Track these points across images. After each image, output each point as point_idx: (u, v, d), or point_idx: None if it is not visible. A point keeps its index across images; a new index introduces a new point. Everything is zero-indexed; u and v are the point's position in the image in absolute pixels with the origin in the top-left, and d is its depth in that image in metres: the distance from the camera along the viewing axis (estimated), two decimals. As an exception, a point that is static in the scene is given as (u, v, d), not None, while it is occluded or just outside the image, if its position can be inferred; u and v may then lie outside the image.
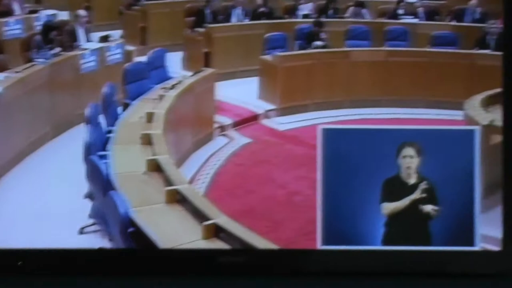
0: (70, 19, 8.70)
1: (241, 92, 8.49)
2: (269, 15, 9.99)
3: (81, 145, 5.69)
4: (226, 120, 7.84)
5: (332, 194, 3.91)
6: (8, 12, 8.65)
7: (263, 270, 4.53)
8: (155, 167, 5.54)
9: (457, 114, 7.11)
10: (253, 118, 8.13)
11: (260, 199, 6.26)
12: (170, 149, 5.99)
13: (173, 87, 7.17)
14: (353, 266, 4.31)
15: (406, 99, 8.61)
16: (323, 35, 9.13)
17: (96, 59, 7.62)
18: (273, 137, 7.78)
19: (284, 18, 9.93)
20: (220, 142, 7.46)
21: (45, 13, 8.86)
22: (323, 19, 9.70)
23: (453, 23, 9.79)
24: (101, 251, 4.91)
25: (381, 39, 9.46)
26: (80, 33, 7.92)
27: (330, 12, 10.29)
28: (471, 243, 4.00)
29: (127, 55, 8.19)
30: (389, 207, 3.82)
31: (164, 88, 7.15)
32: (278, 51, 8.72)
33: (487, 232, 4.53)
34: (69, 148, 6.35)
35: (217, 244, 4.63)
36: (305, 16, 10.10)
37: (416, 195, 3.79)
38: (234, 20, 9.76)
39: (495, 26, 8.41)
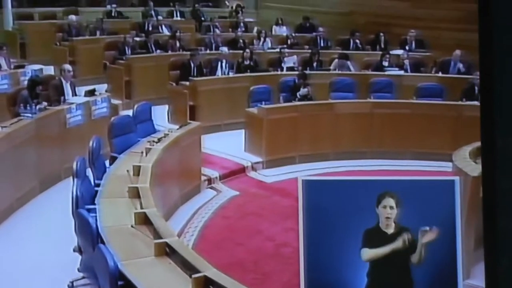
0: (55, 73, 8.87)
1: (227, 145, 8.66)
2: (253, 68, 10.15)
3: (69, 198, 5.73)
4: (213, 172, 7.94)
5: (314, 246, 3.97)
6: (-5, 67, 8.85)
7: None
8: (143, 220, 5.55)
9: (445, 166, 7.14)
10: (240, 170, 8.22)
11: (249, 251, 6.29)
12: (158, 202, 6.00)
13: (159, 140, 7.20)
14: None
15: (392, 151, 8.72)
16: (307, 87, 9.25)
17: (82, 113, 7.74)
18: (260, 189, 7.86)
19: (268, 71, 10.19)
20: (208, 195, 7.55)
21: (31, 68, 9.02)
22: (308, 72, 9.92)
23: (439, 74, 9.96)
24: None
25: (366, 91, 9.59)
26: (66, 87, 8.03)
27: (315, 64, 10.46)
28: None
29: (113, 109, 8.34)
30: (368, 253, 3.91)
31: (150, 141, 7.18)
32: (263, 103, 8.79)
33: (478, 283, 4.63)
34: (57, 202, 6.40)
35: None
36: (290, 68, 10.32)
37: (397, 244, 3.89)
38: (219, 73, 9.94)
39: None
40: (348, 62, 10.55)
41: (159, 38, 10.98)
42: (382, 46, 11.50)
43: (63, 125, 7.50)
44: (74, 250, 5.65)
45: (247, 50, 10.29)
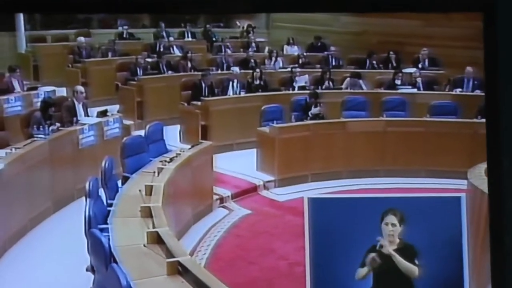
0: (68, 95, 8.99)
1: (239, 164, 8.71)
2: (264, 87, 10.24)
3: (82, 219, 5.80)
4: (225, 191, 8.00)
5: (320, 263, 4.01)
6: (8, 89, 8.97)
7: None
8: (156, 239, 5.61)
9: (460, 184, 7.14)
10: (252, 189, 8.29)
11: (261, 270, 6.35)
12: (170, 221, 6.06)
13: (171, 160, 7.29)
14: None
15: (406, 169, 8.73)
16: (319, 106, 9.32)
17: (95, 134, 7.85)
18: (273, 208, 7.91)
19: (280, 90, 10.25)
20: (220, 214, 7.62)
21: (43, 90, 9.15)
22: (319, 90, 9.98)
23: (454, 92, 9.97)
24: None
25: (378, 109, 9.58)
26: (79, 108, 8.15)
27: (326, 83, 10.53)
28: None
29: (125, 129, 8.45)
30: (359, 272, 3.95)
31: (162, 161, 7.27)
32: (275, 122, 8.87)
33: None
34: (70, 222, 6.46)
35: None
36: (301, 87, 10.38)
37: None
38: (230, 93, 10.03)
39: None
40: (360, 81, 10.58)
41: (170, 59, 11.07)
42: (394, 64, 11.53)
43: (76, 146, 7.62)
44: (87, 270, 5.72)
45: (257, 70, 10.39)
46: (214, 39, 12.61)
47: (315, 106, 9.34)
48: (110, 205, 6.29)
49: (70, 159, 7.48)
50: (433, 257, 3.85)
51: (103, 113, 8.30)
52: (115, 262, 5.14)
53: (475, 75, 9.89)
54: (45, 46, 11.36)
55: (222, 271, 6.18)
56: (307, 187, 8.45)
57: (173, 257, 5.20)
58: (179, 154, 7.54)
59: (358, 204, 3.99)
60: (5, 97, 8.66)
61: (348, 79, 10.63)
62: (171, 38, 12.10)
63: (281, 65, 11.42)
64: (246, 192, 8.22)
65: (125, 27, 12.23)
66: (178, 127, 9.54)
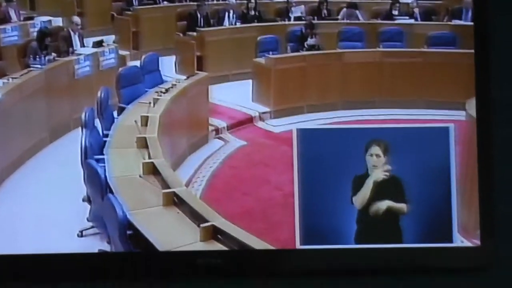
0: (64, 25, 8.92)
1: (234, 95, 8.61)
2: (259, 18, 10.17)
3: (78, 149, 5.83)
4: (220, 123, 7.98)
5: (308, 192, 4.07)
6: (5, 19, 8.87)
7: (240, 271, 4.74)
8: (151, 170, 5.69)
9: (458, 114, 7.17)
10: (248, 120, 8.28)
11: (257, 201, 6.33)
12: (166, 152, 6.13)
13: (167, 90, 7.31)
14: (330, 265, 4.50)
15: (403, 100, 8.51)
16: (315, 37, 9.28)
17: (90, 64, 7.80)
18: (268, 139, 7.91)
19: (276, 21, 10.08)
20: (215, 145, 7.62)
21: (40, 20, 9.06)
22: (315, 21, 9.92)
23: (452, 22, 9.89)
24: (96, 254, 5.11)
25: (375, 40, 9.52)
26: (74, 38, 8.09)
27: (323, 14, 10.45)
28: (449, 240, 4.15)
29: (121, 60, 8.36)
30: (357, 199, 4.00)
31: (158, 92, 7.29)
32: (270, 53, 8.84)
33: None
34: (66, 152, 6.48)
35: (216, 246, 4.83)
36: (297, 18, 10.27)
37: (376, 178, 3.94)
38: (226, 24, 9.96)
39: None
40: (357, 11, 10.48)
41: (164, -12, 10.99)
42: (391, -6, 11.42)
43: (71, 76, 7.57)
44: (83, 200, 5.81)
45: (252, 1, 10.29)
46: (210, -32, 12.48)
47: (311, 37, 9.29)
48: (106, 135, 6.35)
49: (66, 89, 7.42)
50: (419, 188, 3.90)
51: (99, 44, 8.24)
52: (111, 192, 5.24)
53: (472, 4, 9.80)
54: (41, -26, 11.27)
55: (218, 202, 6.19)
56: (302, 118, 8.42)
57: (169, 188, 5.32)
58: (175, 84, 7.55)
59: (346, 134, 4.04)
60: (2, 26, 8.53)
61: (345, 9, 10.52)
62: (167, -32, 11.96)
63: (277, -5, 11.34)
64: (241, 123, 8.20)
65: (122, -44, 12.08)
66: (173, 57, 9.49)
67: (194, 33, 9.57)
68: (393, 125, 4.08)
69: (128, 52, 9.60)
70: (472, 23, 9.49)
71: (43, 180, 6.32)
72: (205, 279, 4.88)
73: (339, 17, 10.77)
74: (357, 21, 10.48)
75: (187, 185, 6.40)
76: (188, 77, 7.88)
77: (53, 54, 7.63)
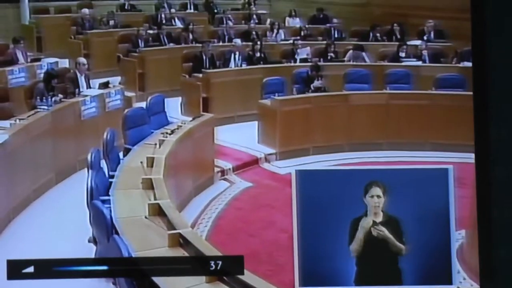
0: (70, 66, 9.09)
1: (240, 137, 8.76)
2: (265, 60, 10.30)
3: (84, 190, 5.90)
4: (226, 164, 8.09)
5: (307, 235, 4.11)
6: (13, 61, 9.09)
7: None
8: (157, 211, 5.69)
9: (467, 157, 7.16)
10: (253, 162, 8.37)
11: (262, 242, 6.44)
12: (171, 193, 6.15)
13: (172, 132, 7.38)
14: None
15: (410, 142, 8.74)
16: (320, 78, 9.37)
17: (96, 106, 7.95)
18: (274, 181, 7.97)
19: (281, 63, 10.28)
20: (221, 186, 7.71)
21: (47, 61, 9.26)
22: (321, 63, 9.98)
23: (461, 65, 9.94)
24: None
25: (382, 82, 9.61)
26: (81, 80, 8.26)
27: (329, 56, 10.57)
28: (449, 281, 4.17)
29: (127, 101, 8.55)
30: (353, 248, 4.03)
31: (164, 133, 7.36)
32: (276, 95, 8.93)
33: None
34: (72, 193, 6.62)
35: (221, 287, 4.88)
36: (303, 60, 10.39)
37: (368, 224, 3.98)
38: (232, 65, 10.10)
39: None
40: (363, 53, 10.60)
41: (171, 31, 11.15)
42: (398, 37, 11.53)
43: (78, 117, 7.71)
44: (89, 241, 5.85)
45: (258, 43, 10.46)
46: (215, 11, 12.65)
47: (317, 79, 9.39)
48: (112, 176, 6.40)
49: (72, 130, 7.58)
50: (418, 230, 3.94)
51: (105, 85, 8.38)
52: (117, 233, 5.28)
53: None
54: (48, 17, 11.44)
55: (223, 243, 6.24)
56: (308, 160, 8.51)
57: (174, 229, 5.33)
58: (181, 126, 7.62)
59: (345, 176, 4.07)
60: (9, 68, 8.78)
61: (351, 51, 10.63)
62: (173, 10, 12.15)
63: (283, 37, 11.45)
64: (247, 164, 8.29)
65: (127, -2, 12.31)
66: (179, 99, 9.61)
67: (200, 75, 9.73)
68: (391, 167, 4.15)
69: (134, 94, 9.74)
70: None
71: (49, 220, 6.45)
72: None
73: (346, 59, 10.86)
74: (363, 63, 10.55)
75: (192, 226, 6.48)
76: (193, 119, 7.98)
77: (60, 96, 7.78)
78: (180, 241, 5.25)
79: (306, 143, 8.76)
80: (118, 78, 9.60)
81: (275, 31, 11.52)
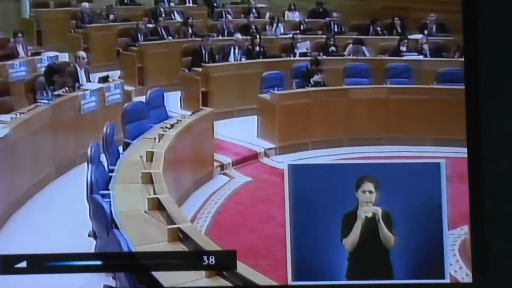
0: (70, 60, 9.16)
1: (239, 131, 8.83)
2: (264, 54, 10.37)
3: (83, 184, 5.96)
4: (225, 158, 8.15)
5: (299, 230, 4.17)
6: (13, 55, 9.17)
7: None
8: (157, 205, 5.75)
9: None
10: (253, 156, 8.42)
11: (261, 237, 6.48)
12: (171, 188, 6.22)
13: (172, 126, 7.44)
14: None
15: (410, 137, 8.76)
16: (319, 73, 9.43)
17: (96, 100, 8.02)
18: (273, 175, 7.96)
19: (281, 57, 10.34)
20: (220, 181, 7.77)
21: (47, 55, 9.33)
22: (321, 57, 10.05)
23: (463, 59, 9.86)
24: None
25: (382, 76, 9.65)
26: (81, 74, 8.33)
27: (330, 50, 10.61)
28: (441, 276, 4.23)
29: (126, 95, 8.61)
30: (348, 241, 4.09)
31: (163, 127, 7.42)
32: (275, 89, 9.00)
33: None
34: (72, 187, 6.67)
35: (220, 282, 4.91)
36: (303, 54, 10.42)
37: (364, 219, 4.04)
38: (231, 59, 10.16)
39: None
40: (363, 48, 10.62)
41: (169, 25, 11.21)
42: (399, 31, 11.53)
43: (77, 111, 7.79)
44: (88, 235, 5.92)
45: (257, 37, 10.52)
46: (215, 4, 12.69)
47: (317, 73, 9.44)
48: (112, 171, 6.47)
49: (72, 124, 7.64)
50: (410, 224, 4.00)
51: (105, 79, 8.47)
52: (117, 227, 5.34)
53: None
54: (48, 11, 11.50)
55: (223, 238, 6.29)
56: (308, 154, 8.54)
57: (174, 223, 5.40)
58: (180, 120, 7.69)
59: (337, 170, 4.11)
60: (10, 62, 8.86)
61: (351, 45, 10.65)
62: (172, 4, 12.19)
63: (282, 31, 11.49)
64: (246, 159, 8.35)
65: (126, -8, 12.36)
66: (178, 93, 9.65)
67: (199, 69, 9.81)
68: (383, 161, 4.22)
69: (133, 88, 9.77)
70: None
71: (49, 214, 6.51)
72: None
73: (345, 53, 10.89)
74: (363, 57, 10.60)
75: (192, 221, 6.53)
76: (193, 113, 8.05)
77: (60, 90, 7.89)
78: (180, 235, 5.31)
79: (305, 138, 8.80)
80: (118, 72, 9.64)
81: (275, 25, 11.56)
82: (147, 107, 7.80)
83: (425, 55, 10.26)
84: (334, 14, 11.86)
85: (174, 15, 12.02)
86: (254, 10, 12.63)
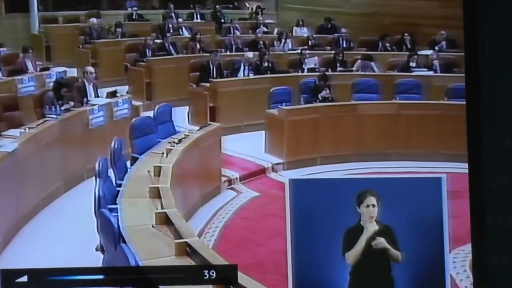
0: (78, 75, 9.26)
1: (247, 146, 8.90)
2: (272, 69, 10.44)
3: (91, 198, 5.99)
4: (233, 173, 8.21)
5: (301, 245, 4.21)
6: (22, 70, 9.30)
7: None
8: (164, 220, 5.77)
9: None
10: (260, 171, 8.48)
11: (269, 252, 6.51)
12: (178, 202, 6.24)
13: (180, 141, 7.48)
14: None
15: (420, 153, 8.79)
16: (328, 89, 9.49)
17: (104, 115, 8.13)
18: (281, 190, 7.83)
19: (289, 72, 10.42)
20: (228, 196, 7.83)
21: (55, 70, 9.46)
22: (329, 73, 10.11)
23: None
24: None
25: (391, 92, 9.70)
26: (89, 89, 8.43)
27: (338, 65, 10.67)
28: None
29: (134, 110, 8.70)
30: (350, 255, 4.11)
31: (171, 142, 7.47)
32: (283, 105, 9.07)
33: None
34: (80, 202, 6.73)
35: None
36: (311, 69, 10.50)
37: (370, 233, 4.07)
38: (240, 75, 10.24)
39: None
40: (372, 63, 10.66)
41: (177, 40, 11.31)
42: (409, 46, 11.56)
43: (85, 126, 7.89)
44: (96, 249, 5.95)
45: (266, 53, 10.59)
46: (223, 20, 12.78)
47: (325, 89, 9.50)
48: (119, 185, 6.51)
49: (80, 139, 7.73)
50: (412, 238, 4.03)
51: (113, 94, 8.55)
52: (124, 242, 5.37)
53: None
54: (57, 27, 11.65)
55: (230, 252, 6.36)
56: (315, 170, 8.60)
57: (181, 238, 5.43)
58: (188, 135, 7.74)
59: (337, 185, 4.14)
60: (19, 77, 9.02)
61: (359, 61, 10.70)
62: (180, 20, 12.31)
63: (290, 46, 11.57)
64: (254, 174, 8.40)
65: (134, 8, 12.46)
66: (186, 108, 9.73)
67: (207, 84, 9.89)
68: (384, 176, 4.26)
69: (141, 103, 9.86)
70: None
71: (57, 228, 6.58)
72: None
73: (354, 68, 10.94)
74: (372, 73, 10.67)
75: (199, 235, 6.59)
76: (200, 128, 8.11)
77: (68, 104, 7.98)
78: (187, 250, 5.33)
79: (313, 153, 8.85)
80: (126, 87, 9.73)
81: (283, 40, 11.65)
82: (155, 122, 7.87)
83: (435, 71, 10.30)
84: (343, 30, 11.92)
85: (182, 31, 12.13)
86: (262, 26, 12.73)
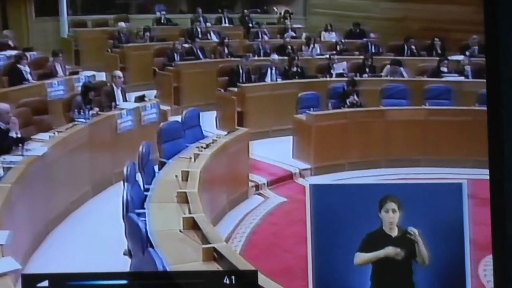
0: (107, 79, 9.34)
1: (275, 151, 8.91)
2: (301, 74, 10.46)
3: (119, 203, 6.02)
4: (261, 179, 8.24)
5: (321, 250, 4.20)
6: (52, 74, 9.41)
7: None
8: (192, 225, 5.78)
9: None
10: (288, 177, 8.49)
11: (296, 258, 6.44)
12: (206, 207, 6.27)
13: (207, 146, 7.50)
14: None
15: (450, 159, 8.78)
16: (355, 94, 9.48)
17: (132, 119, 8.19)
18: None
19: (317, 77, 10.43)
20: (255, 201, 7.86)
21: (84, 74, 9.56)
22: (358, 78, 10.13)
23: None
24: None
25: (420, 97, 9.69)
26: (117, 93, 8.50)
27: (367, 70, 10.64)
28: None
29: (162, 115, 8.75)
30: (361, 257, 4.11)
31: (199, 147, 7.49)
32: (311, 110, 9.07)
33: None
34: (108, 206, 6.83)
35: None
36: (339, 75, 10.51)
37: (392, 250, 4.07)
38: (268, 80, 10.26)
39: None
40: (401, 69, 10.62)
41: (205, 45, 11.37)
42: (439, 51, 11.51)
43: (114, 131, 7.95)
44: (124, 254, 5.96)
45: (296, 58, 10.61)
46: (251, 25, 12.81)
47: (353, 94, 9.49)
48: (147, 190, 6.53)
49: (108, 143, 7.79)
50: (432, 244, 4.02)
51: (141, 98, 8.61)
52: (152, 246, 5.38)
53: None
54: (86, 31, 11.76)
55: (257, 258, 6.38)
56: (343, 175, 8.61)
57: (209, 243, 5.42)
58: (215, 140, 7.76)
59: (358, 190, 4.14)
60: (49, 81, 9.11)
61: (388, 66, 10.67)
62: (208, 24, 12.37)
63: (318, 51, 11.57)
64: (282, 179, 8.41)
65: (163, 12, 12.54)
66: (214, 113, 9.80)
67: (235, 89, 9.96)
68: (405, 182, 4.26)
69: (169, 107, 9.92)
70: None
71: (85, 233, 6.64)
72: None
73: (383, 74, 10.94)
74: (401, 78, 10.64)
75: (227, 240, 6.59)
76: (228, 133, 8.13)
77: (96, 109, 8.03)
78: (215, 255, 5.33)
79: (341, 159, 8.86)
80: (154, 92, 9.80)
81: (311, 45, 11.65)
82: (183, 126, 7.90)
83: (467, 76, 10.26)
84: (372, 35, 11.91)
85: (210, 35, 12.19)
86: (290, 30, 12.74)
